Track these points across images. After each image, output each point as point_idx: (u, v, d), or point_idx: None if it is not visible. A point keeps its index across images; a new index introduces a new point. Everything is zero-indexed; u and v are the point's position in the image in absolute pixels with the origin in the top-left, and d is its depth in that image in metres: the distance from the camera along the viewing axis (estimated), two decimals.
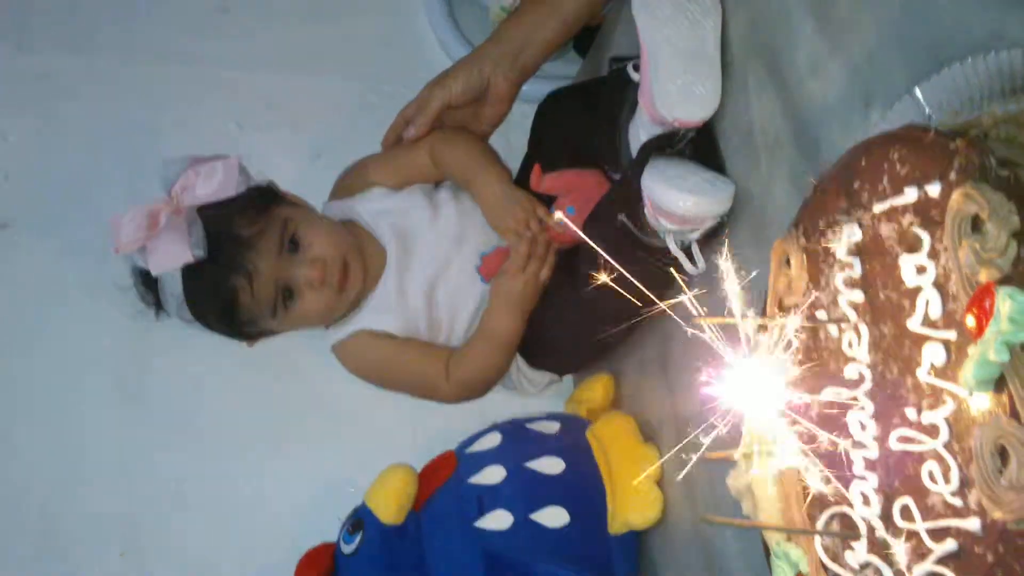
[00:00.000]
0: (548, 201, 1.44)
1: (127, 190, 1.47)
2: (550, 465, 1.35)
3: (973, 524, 0.68)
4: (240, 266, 1.38)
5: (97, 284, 1.59)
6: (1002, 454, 0.65)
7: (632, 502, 1.31)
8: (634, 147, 1.31)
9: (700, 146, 1.23)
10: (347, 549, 1.37)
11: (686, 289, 0.83)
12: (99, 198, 1.62)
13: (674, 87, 1.21)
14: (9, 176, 1.74)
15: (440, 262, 1.47)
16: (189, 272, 1.40)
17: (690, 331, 0.82)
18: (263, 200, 1.44)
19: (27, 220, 1.71)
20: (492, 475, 1.34)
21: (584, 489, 1.33)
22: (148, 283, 1.44)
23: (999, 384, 0.65)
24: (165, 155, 1.44)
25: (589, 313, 1.36)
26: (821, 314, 0.84)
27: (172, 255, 1.36)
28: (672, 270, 1.15)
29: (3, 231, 1.72)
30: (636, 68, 1.30)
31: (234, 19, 1.86)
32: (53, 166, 1.74)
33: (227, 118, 1.79)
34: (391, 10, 1.88)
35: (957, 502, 0.69)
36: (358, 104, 1.78)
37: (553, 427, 1.42)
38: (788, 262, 0.88)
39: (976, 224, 0.67)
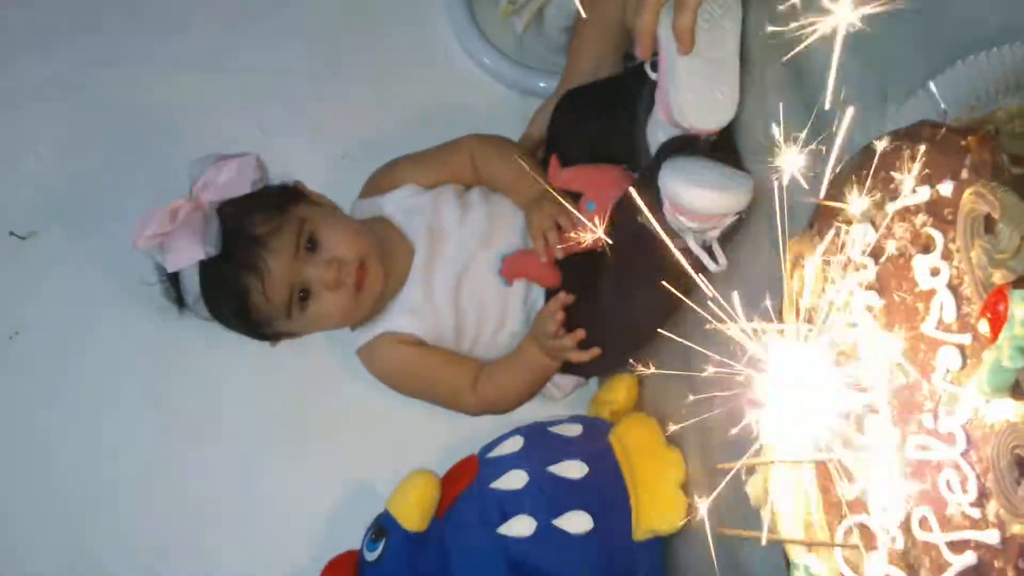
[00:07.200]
0: (572, 198, 1.42)
1: (154, 197, 1.46)
2: (573, 469, 1.33)
3: (992, 537, 0.65)
4: (251, 265, 1.38)
5: (124, 292, 1.61)
6: (1020, 464, 0.62)
7: (656, 507, 1.29)
8: (653, 146, 1.29)
9: (718, 144, 1.20)
10: (370, 557, 1.37)
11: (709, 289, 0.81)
12: (127, 206, 1.63)
13: (692, 95, 1.19)
14: (39, 186, 1.74)
15: (465, 261, 1.46)
16: (205, 269, 1.40)
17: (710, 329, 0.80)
18: (283, 198, 1.44)
19: (57, 229, 1.71)
20: (514, 480, 1.32)
21: (608, 494, 1.31)
22: (171, 279, 1.45)
23: (1016, 391, 0.63)
24: (192, 158, 1.45)
25: (616, 318, 1.34)
26: (836, 316, 0.82)
27: (186, 252, 1.37)
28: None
29: (34, 239, 1.72)
30: (654, 67, 1.28)
31: (258, 26, 1.85)
32: (81, 175, 1.74)
33: (251, 123, 1.79)
34: (412, 16, 1.86)
35: (975, 513, 0.67)
36: (379, 106, 1.77)
37: (575, 430, 1.40)
38: (802, 262, 0.85)
39: (989, 224, 0.65)
